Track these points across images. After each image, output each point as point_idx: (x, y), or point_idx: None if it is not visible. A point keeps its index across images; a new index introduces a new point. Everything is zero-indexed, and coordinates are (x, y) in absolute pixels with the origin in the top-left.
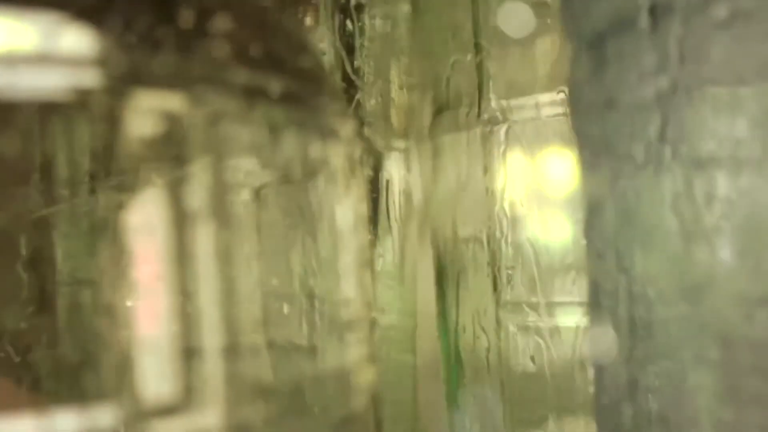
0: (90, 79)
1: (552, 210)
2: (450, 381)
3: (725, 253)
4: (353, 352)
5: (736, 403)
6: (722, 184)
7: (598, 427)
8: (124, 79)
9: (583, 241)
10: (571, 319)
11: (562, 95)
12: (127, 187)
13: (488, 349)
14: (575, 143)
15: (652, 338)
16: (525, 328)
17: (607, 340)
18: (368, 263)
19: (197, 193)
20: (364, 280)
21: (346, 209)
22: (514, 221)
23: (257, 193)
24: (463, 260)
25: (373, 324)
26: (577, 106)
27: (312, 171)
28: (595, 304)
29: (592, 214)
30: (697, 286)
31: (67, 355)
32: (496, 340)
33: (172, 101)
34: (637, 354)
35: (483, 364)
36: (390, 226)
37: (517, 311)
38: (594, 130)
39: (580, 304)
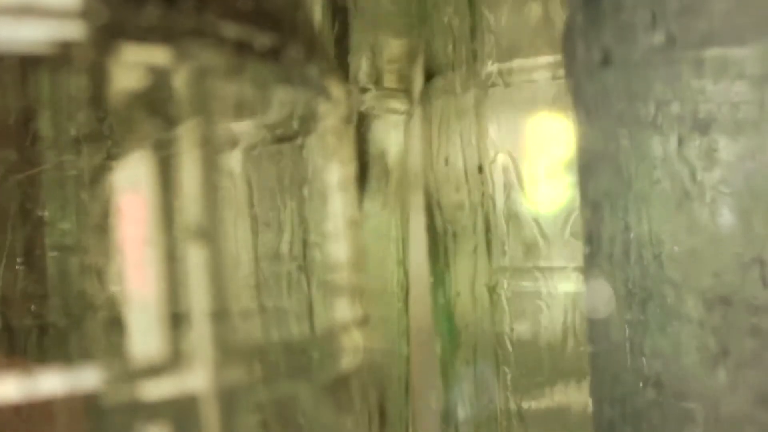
0: (73, 31)
1: (547, 174)
2: (444, 347)
3: (723, 214)
4: (343, 313)
5: (732, 365)
6: (720, 146)
7: (593, 387)
8: (109, 32)
9: (578, 202)
10: (566, 284)
11: (556, 57)
12: (114, 146)
13: (482, 315)
14: (570, 102)
15: (648, 300)
16: (520, 294)
17: (603, 298)
18: (358, 224)
19: (185, 154)
20: (353, 241)
21: (335, 170)
22: (508, 186)
23: (247, 154)
24: (457, 225)
25: (363, 286)
26: (572, 64)
27: (302, 131)
28: (591, 265)
29: (587, 173)
30: (693, 247)
31: (54, 316)
32: (490, 305)
33: (158, 55)
34: (633, 315)
35: (477, 330)
36: (380, 190)
37: (511, 276)
38: (589, 88)
39: (575, 269)
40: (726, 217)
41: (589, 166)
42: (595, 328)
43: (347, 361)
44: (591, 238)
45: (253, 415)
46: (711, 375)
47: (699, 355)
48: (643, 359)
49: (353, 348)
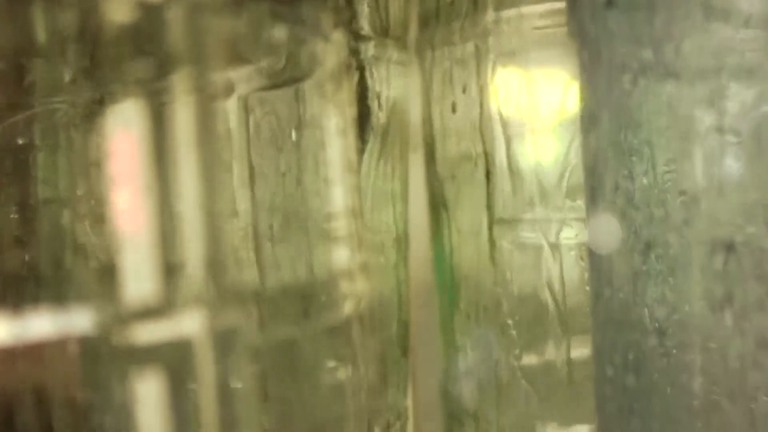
0: None
1: (548, 125)
2: (443, 300)
3: (728, 161)
4: (342, 260)
5: (737, 311)
6: (727, 92)
7: (595, 338)
8: None
9: (581, 151)
10: (568, 235)
11: (558, 4)
12: (107, 88)
13: (483, 268)
14: (573, 48)
15: (652, 247)
16: (521, 246)
17: (605, 247)
18: (356, 171)
19: (180, 101)
20: (351, 188)
21: (334, 115)
22: (509, 137)
23: (244, 100)
24: (457, 177)
25: (362, 233)
26: (575, 6)
27: (299, 75)
28: (593, 214)
29: (590, 120)
30: (698, 194)
31: (48, 264)
32: (490, 258)
33: None
34: (636, 264)
35: (477, 283)
36: (380, 141)
37: (512, 228)
38: (593, 31)
39: (576, 220)
40: (731, 164)
41: (592, 113)
42: (597, 277)
43: (346, 308)
44: (593, 187)
45: (250, 359)
46: (715, 321)
47: (703, 302)
48: (647, 307)
49: (352, 295)
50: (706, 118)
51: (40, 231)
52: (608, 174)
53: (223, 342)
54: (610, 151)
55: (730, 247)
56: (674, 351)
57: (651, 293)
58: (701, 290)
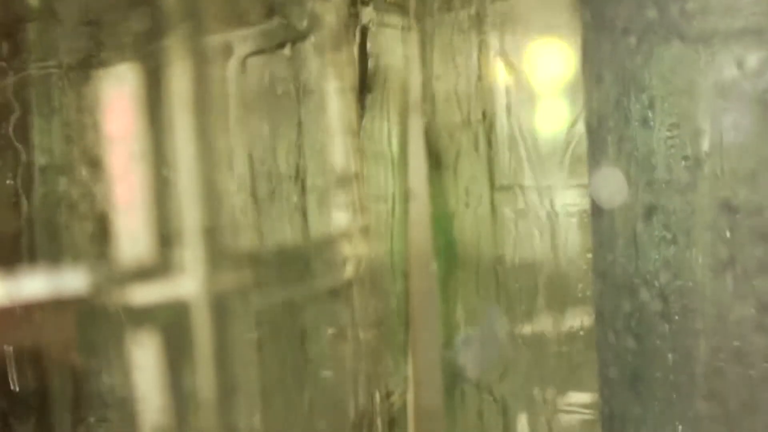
0: None
1: (549, 91)
2: (443, 269)
3: (734, 123)
4: (342, 221)
5: (739, 272)
6: (733, 55)
7: (596, 302)
8: None
9: (584, 113)
10: (569, 201)
11: None
12: (103, 52)
13: (482, 233)
14: (576, 7)
15: (655, 209)
16: (522, 213)
17: (608, 209)
18: (356, 133)
19: (176, 62)
20: (351, 149)
21: (333, 77)
22: (510, 103)
23: (242, 62)
24: (457, 143)
25: (363, 195)
26: None
27: (299, 35)
28: (596, 175)
29: (594, 81)
30: (702, 155)
31: (43, 228)
32: (491, 223)
33: None
34: (639, 226)
35: (478, 251)
36: (379, 106)
37: (513, 195)
38: None
39: (577, 186)
40: (736, 127)
41: (595, 75)
42: (599, 242)
43: (346, 271)
44: (596, 149)
45: (248, 321)
46: (718, 283)
47: (706, 266)
48: (649, 273)
49: (352, 257)
50: (710, 81)
51: (35, 193)
52: (611, 136)
53: (221, 304)
54: (614, 113)
55: (733, 210)
56: (676, 316)
57: (653, 258)
58: (704, 254)
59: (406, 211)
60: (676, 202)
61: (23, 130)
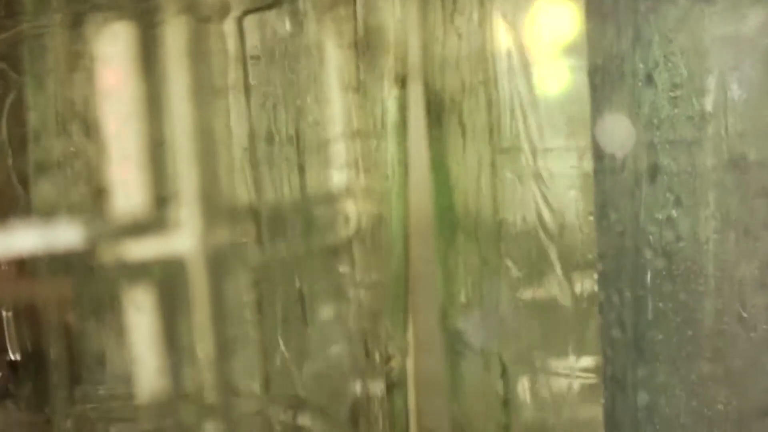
0: None
1: (551, 53)
2: (443, 233)
3: (742, 80)
4: (341, 180)
5: (743, 229)
6: (744, 10)
7: (599, 264)
8: None
9: (586, 75)
10: (572, 165)
11: None
12: (97, 9)
13: (483, 197)
14: None
15: (659, 168)
16: (522, 176)
17: (610, 160)
18: (356, 92)
19: (172, 20)
20: (350, 108)
21: (332, 35)
22: (512, 67)
23: (240, 19)
24: (458, 107)
25: (364, 153)
26: None
27: None
28: (599, 133)
29: (596, 37)
30: (707, 111)
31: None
32: (492, 189)
33: None
34: (643, 186)
35: (478, 215)
36: (378, 67)
37: (514, 158)
38: None
39: (577, 148)
40: (744, 83)
41: (598, 30)
42: (602, 202)
43: (347, 228)
44: (599, 108)
45: (247, 278)
46: (723, 241)
47: (711, 224)
48: (651, 234)
49: (353, 215)
50: (719, 35)
51: (30, 150)
52: (615, 95)
53: (219, 260)
54: (617, 70)
55: (738, 166)
56: (680, 276)
57: (657, 216)
58: (709, 212)
59: (405, 174)
60: (682, 159)
61: (18, 89)
